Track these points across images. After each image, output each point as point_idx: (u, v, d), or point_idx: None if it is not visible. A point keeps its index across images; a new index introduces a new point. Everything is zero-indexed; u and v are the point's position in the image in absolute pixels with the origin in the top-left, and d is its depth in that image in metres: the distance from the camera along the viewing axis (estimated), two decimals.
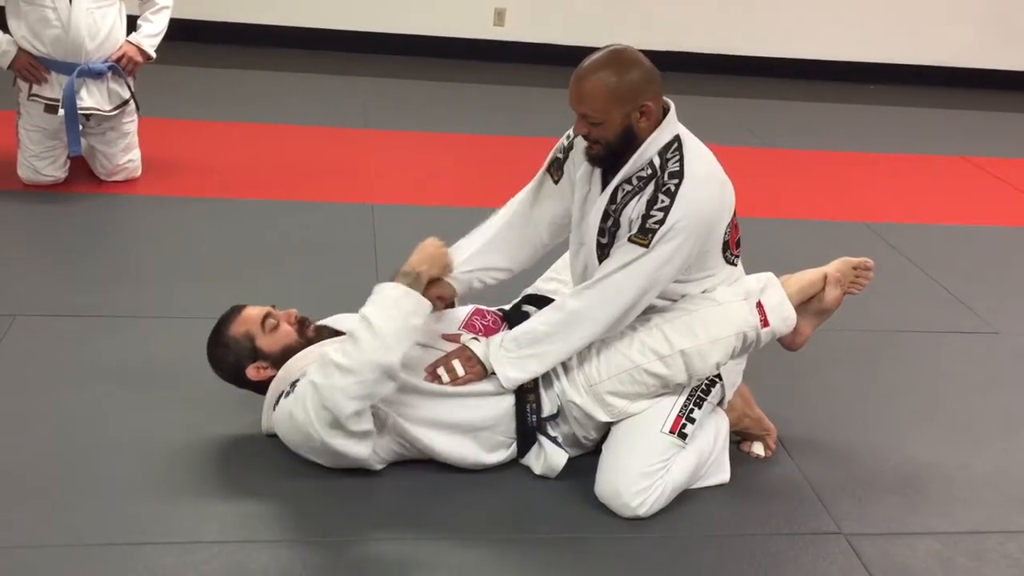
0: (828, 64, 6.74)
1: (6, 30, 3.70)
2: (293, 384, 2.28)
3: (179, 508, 2.23)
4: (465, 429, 2.35)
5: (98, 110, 3.78)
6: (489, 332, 2.45)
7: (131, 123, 3.94)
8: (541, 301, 2.55)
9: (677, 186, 2.23)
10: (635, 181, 2.29)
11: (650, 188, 2.26)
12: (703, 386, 2.38)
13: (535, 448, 2.39)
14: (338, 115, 5.12)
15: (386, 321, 2.19)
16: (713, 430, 2.44)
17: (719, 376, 2.41)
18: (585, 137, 2.30)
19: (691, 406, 2.35)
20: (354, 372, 2.13)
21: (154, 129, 4.21)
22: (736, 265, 2.45)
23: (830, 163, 5.10)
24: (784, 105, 6.12)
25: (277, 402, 2.32)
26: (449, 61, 6.27)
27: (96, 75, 3.74)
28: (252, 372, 2.37)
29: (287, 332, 2.38)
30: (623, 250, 2.28)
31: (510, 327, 2.43)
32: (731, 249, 2.41)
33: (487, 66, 6.23)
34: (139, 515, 2.20)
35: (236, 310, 2.42)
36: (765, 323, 2.40)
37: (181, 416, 2.54)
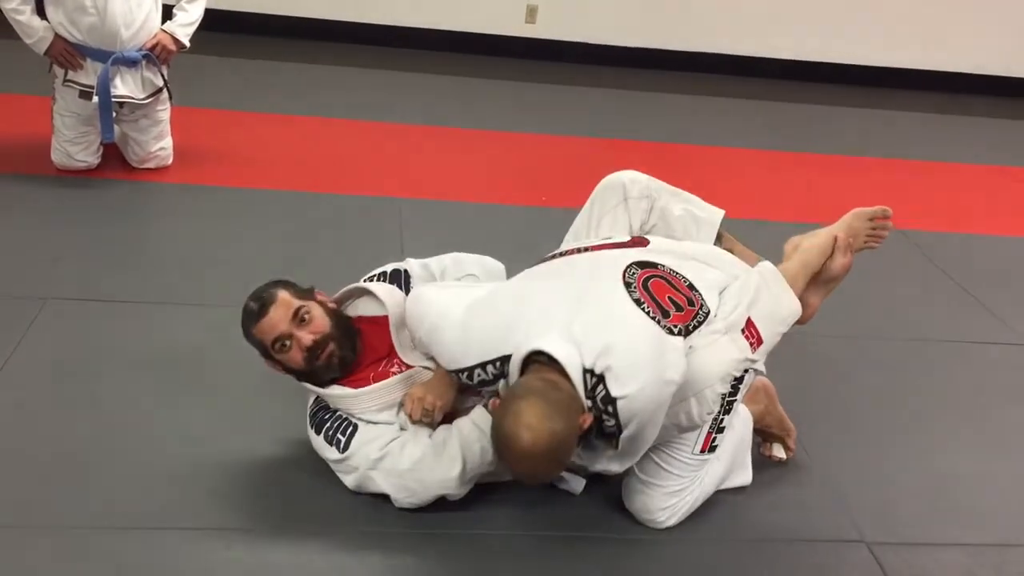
0: (863, 69, 6.67)
1: (43, 17, 3.73)
2: (323, 412, 2.32)
3: (204, 495, 2.25)
4: None
5: (131, 98, 3.81)
6: None
7: (164, 111, 3.96)
8: None
9: (614, 407, 2.00)
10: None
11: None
12: (731, 389, 2.29)
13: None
14: (368, 109, 5.12)
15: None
16: (739, 431, 2.41)
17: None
18: None
19: (721, 416, 2.24)
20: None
21: (186, 118, 4.23)
22: (707, 322, 2.19)
23: (864, 168, 5.05)
24: (819, 110, 6.06)
25: (312, 422, 2.34)
26: (480, 57, 6.27)
27: (130, 63, 3.77)
28: (268, 367, 2.37)
29: (294, 359, 2.30)
30: (599, 448, 2.14)
31: None
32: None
33: (518, 63, 6.22)
34: (164, 501, 2.22)
35: (264, 308, 2.30)
36: (758, 341, 2.20)
37: (208, 403, 2.56)
